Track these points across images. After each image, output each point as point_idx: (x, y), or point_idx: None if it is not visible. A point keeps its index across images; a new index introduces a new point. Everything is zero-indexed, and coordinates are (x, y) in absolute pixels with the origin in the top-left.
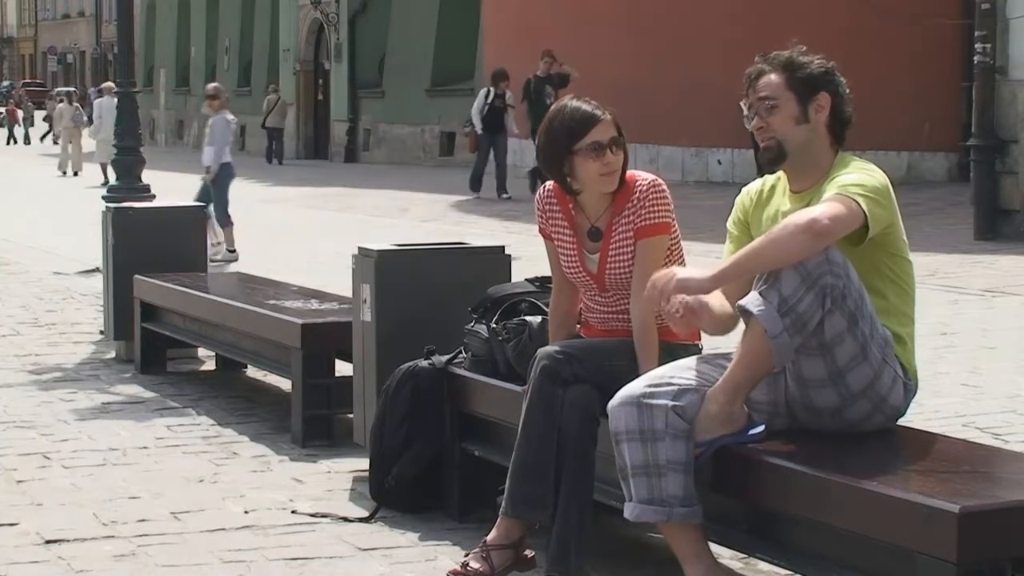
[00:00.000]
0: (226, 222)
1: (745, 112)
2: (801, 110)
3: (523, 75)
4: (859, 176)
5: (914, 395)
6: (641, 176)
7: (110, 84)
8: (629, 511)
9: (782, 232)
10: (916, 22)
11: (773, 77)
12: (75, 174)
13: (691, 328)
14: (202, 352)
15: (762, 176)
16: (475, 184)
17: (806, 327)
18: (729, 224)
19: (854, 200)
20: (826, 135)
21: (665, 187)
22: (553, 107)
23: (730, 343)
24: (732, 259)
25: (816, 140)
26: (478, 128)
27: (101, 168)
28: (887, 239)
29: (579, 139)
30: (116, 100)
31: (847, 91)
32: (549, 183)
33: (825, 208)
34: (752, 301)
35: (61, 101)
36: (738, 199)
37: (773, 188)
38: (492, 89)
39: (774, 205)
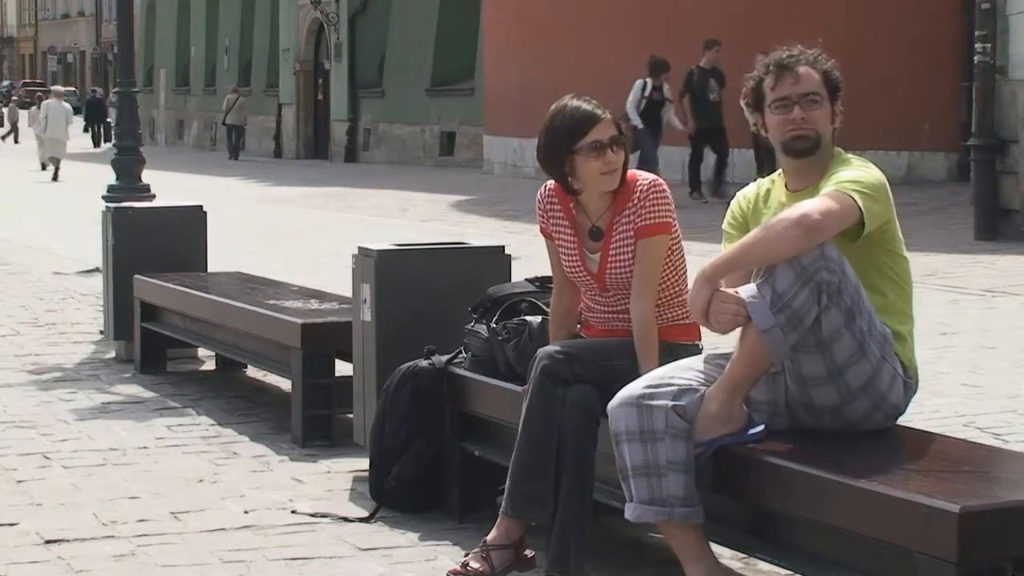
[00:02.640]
0: None
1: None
2: (832, 111)
3: (521, 75)
4: (855, 172)
5: (914, 393)
6: (642, 176)
7: (58, 88)
8: (630, 511)
9: (775, 227)
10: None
11: (814, 73)
12: (43, 167)
13: (737, 327)
14: (202, 352)
15: (761, 175)
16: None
17: (802, 323)
18: (725, 225)
19: (849, 196)
20: (832, 137)
21: (666, 187)
22: (553, 107)
23: (730, 343)
24: (726, 254)
25: (831, 141)
26: (637, 123)
27: (51, 163)
28: (884, 236)
29: (580, 138)
30: (62, 103)
31: None
32: (551, 182)
33: (817, 203)
34: (747, 293)
35: (32, 104)
36: (733, 203)
37: (769, 192)
38: (650, 80)
39: (772, 207)
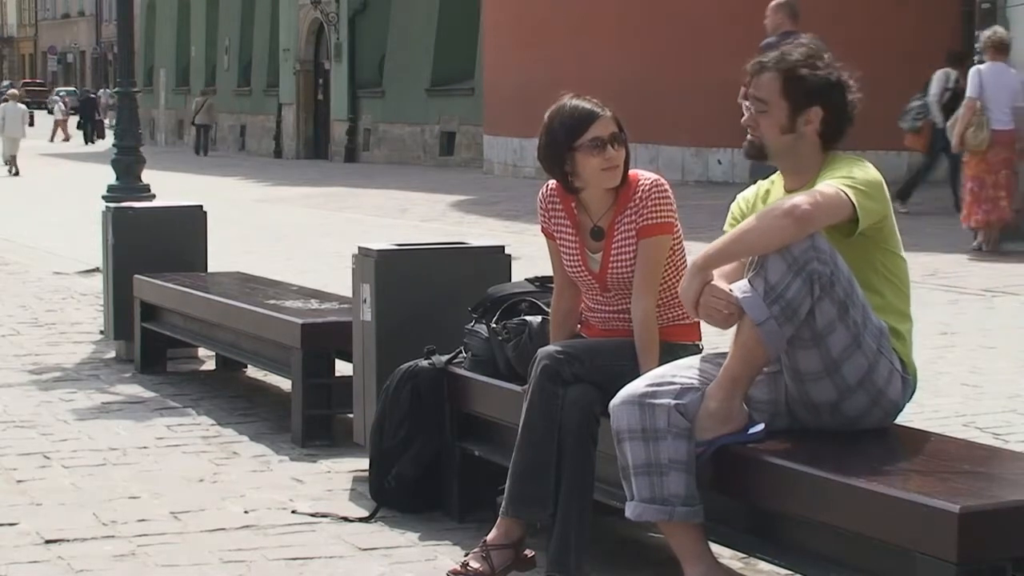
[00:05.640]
0: None
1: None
2: (789, 120)
3: (521, 75)
4: (848, 169)
5: (913, 391)
6: (644, 175)
7: (14, 91)
8: (631, 510)
9: (765, 217)
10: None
11: (771, 79)
12: (7, 163)
13: (731, 324)
14: (202, 352)
15: (755, 179)
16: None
17: (796, 314)
18: (726, 226)
19: (841, 190)
20: (816, 141)
21: (668, 187)
22: (552, 106)
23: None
24: (718, 243)
25: (802, 146)
26: (938, 120)
27: (4, 161)
28: (880, 234)
29: (579, 136)
30: (18, 105)
31: (851, 100)
32: (552, 182)
33: (808, 195)
34: (739, 288)
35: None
36: (734, 204)
37: (768, 192)
38: (954, 72)
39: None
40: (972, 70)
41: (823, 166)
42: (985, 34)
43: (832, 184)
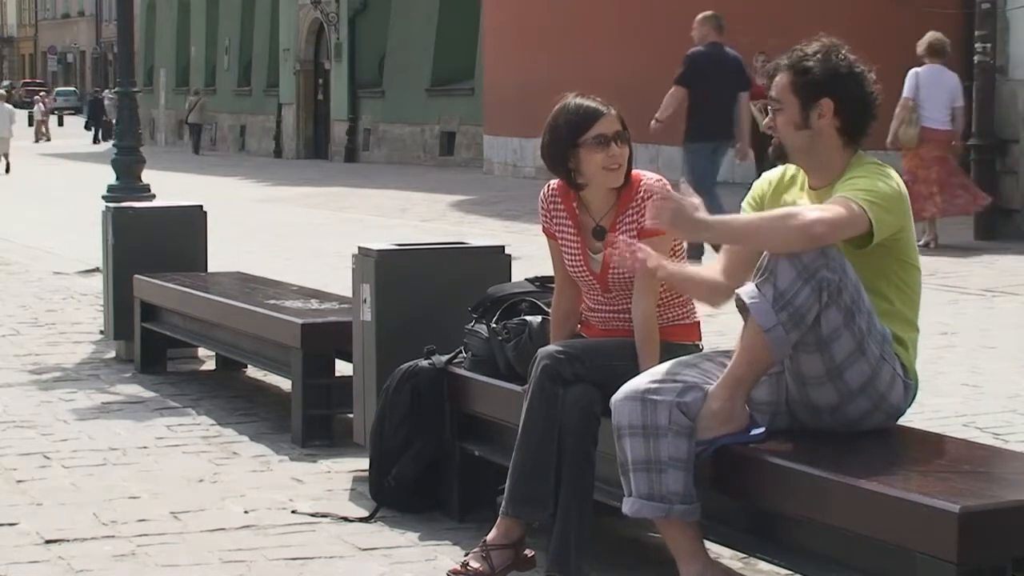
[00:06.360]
0: None
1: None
2: (802, 116)
3: (521, 75)
4: (870, 181)
5: (915, 395)
6: (646, 176)
7: (2, 92)
8: (628, 506)
9: (785, 221)
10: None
11: (782, 78)
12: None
13: (637, 266)
14: (202, 352)
15: (761, 176)
16: None
17: (804, 320)
18: (744, 203)
19: (860, 206)
20: (835, 137)
21: (670, 187)
22: (557, 105)
23: (733, 342)
24: (729, 224)
25: (821, 143)
26: None
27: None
28: (897, 245)
29: (583, 133)
30: (4, 105)
31: (869, 92)
32: (554, 182)
33: (829, 213)
34: (747, 293)
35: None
36: (756, 183)
37: (793, 177)
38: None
39: (791, 196)
40: (910, 72)
41: (847, 167)
42: (923, 39)
43: (852, 199)
